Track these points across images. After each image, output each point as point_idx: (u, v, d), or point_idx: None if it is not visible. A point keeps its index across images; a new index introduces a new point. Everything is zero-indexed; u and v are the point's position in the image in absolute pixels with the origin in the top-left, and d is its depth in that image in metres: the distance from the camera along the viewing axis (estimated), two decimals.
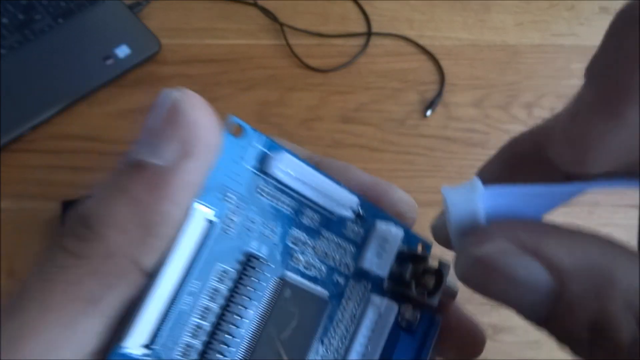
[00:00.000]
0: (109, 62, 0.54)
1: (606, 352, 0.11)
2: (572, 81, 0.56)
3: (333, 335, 0.15)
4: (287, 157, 0.14)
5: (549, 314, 0.12)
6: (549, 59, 0.58)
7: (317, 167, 0.16)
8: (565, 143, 0.12)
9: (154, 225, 0.12)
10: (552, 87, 0.56)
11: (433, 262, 0.16)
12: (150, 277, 0.12)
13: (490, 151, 0.17)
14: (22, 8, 0.56)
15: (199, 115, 0.12)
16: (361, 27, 0.59)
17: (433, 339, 0.16)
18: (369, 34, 0.58)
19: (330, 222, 0.16)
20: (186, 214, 0.13)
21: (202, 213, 0.13)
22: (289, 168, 0.14)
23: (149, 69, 0.55)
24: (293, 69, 0.56)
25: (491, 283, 0.12)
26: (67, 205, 0.47)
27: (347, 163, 0.17)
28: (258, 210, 0.14)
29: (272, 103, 0.54)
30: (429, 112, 0.54)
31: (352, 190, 0.16)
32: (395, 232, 0.16)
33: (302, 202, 0.15)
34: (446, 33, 0.58)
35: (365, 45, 0.58)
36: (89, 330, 0.12)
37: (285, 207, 0.15)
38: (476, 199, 0.12)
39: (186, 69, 0.56)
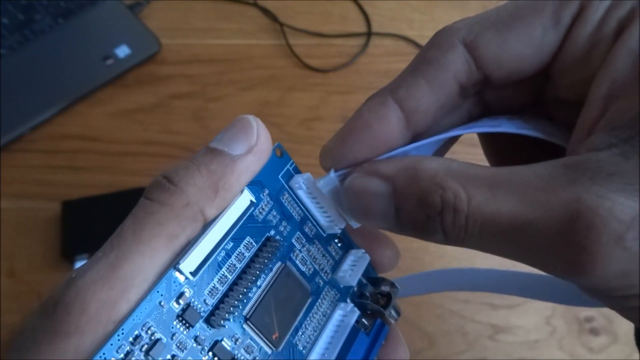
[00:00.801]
0: (109, 62, 0.54)
1: (432, 218, 0.16)
2: None
3: (308, 323, 0.20)
4: (305, 178, 0.19)
5: (395, 215, 0.17)
6: None
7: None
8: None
9: (220, 189, 0.17)
10: None
11: (385, 288, 0.22)
12: (205, 227, 0.17)
13: None
14: (22, 8, 0.57)
15: (262, 132, 0.18)
16: (361, 27, 0.59)
17: (382, 341, 0.22)
18: (369, 34, 0.58)
19: (321, 237, 0.21)
20: (239, 191, 0.18)
21: (248, 195, 0.18)
22: (304, 187, 0.20)
23: (149, 69, 0.55)
24: (293, 69, 0.56)
25: (358, 200, 0.18)
26: (67, 205, 0.47)
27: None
28: (279, 210, 0.19)
29: (272, 103, 0.54)
30: None
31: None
32: (364, 257, 0.22)
33: (306, 215, 0.20)
34: None
35: (365, 45, 0.58)
36: (163, 261, 0.16)
37: (296, 214, 0.20)
38: (334, 179, 0.19)
39: (186, 69, 0.56)
